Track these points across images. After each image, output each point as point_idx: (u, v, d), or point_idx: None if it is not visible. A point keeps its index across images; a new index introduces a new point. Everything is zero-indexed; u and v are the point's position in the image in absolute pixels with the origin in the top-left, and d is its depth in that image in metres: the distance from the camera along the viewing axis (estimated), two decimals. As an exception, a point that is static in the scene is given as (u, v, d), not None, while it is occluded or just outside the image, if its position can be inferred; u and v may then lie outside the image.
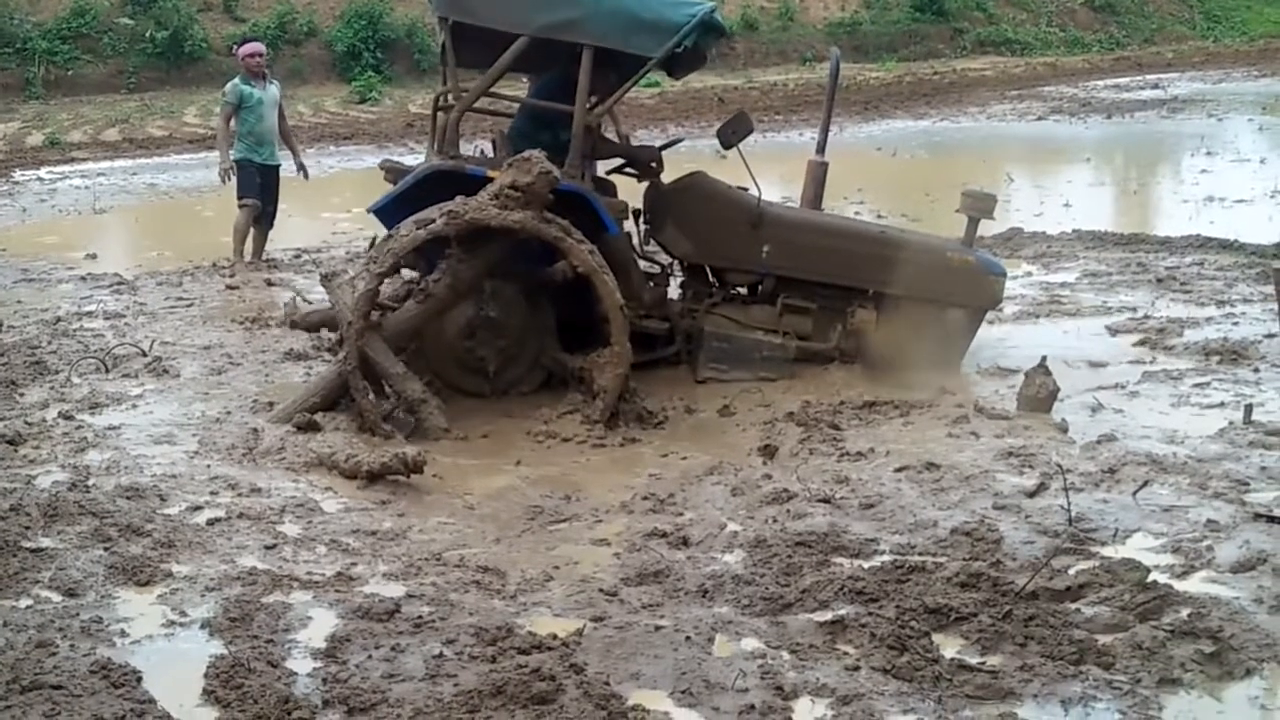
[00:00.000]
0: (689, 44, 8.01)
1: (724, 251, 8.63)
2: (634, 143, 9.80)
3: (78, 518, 5.67)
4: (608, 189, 8.78)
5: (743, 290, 8.75)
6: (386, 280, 7.61)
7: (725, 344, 8.42)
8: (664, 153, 8.87)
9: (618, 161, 8.85)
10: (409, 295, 7.69)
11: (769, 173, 8.91)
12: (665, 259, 8.95)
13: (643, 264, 8.74)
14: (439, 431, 7.37)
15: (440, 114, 8.62)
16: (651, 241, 8.81)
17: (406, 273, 8.17)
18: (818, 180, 9.11)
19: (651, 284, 8.66)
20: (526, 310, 7.99)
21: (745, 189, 8.63)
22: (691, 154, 9.58)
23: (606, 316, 7.55)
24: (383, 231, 8.16)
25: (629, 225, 8.57)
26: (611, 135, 9.31)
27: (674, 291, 8.86)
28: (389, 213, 8.03)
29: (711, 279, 8.78)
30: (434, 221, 7.39)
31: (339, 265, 10.26)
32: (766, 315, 8.56)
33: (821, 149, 9.19)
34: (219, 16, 35.69)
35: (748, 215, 8.49)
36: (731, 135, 8.47)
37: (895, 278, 8.37)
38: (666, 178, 8.73)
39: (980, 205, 8.70)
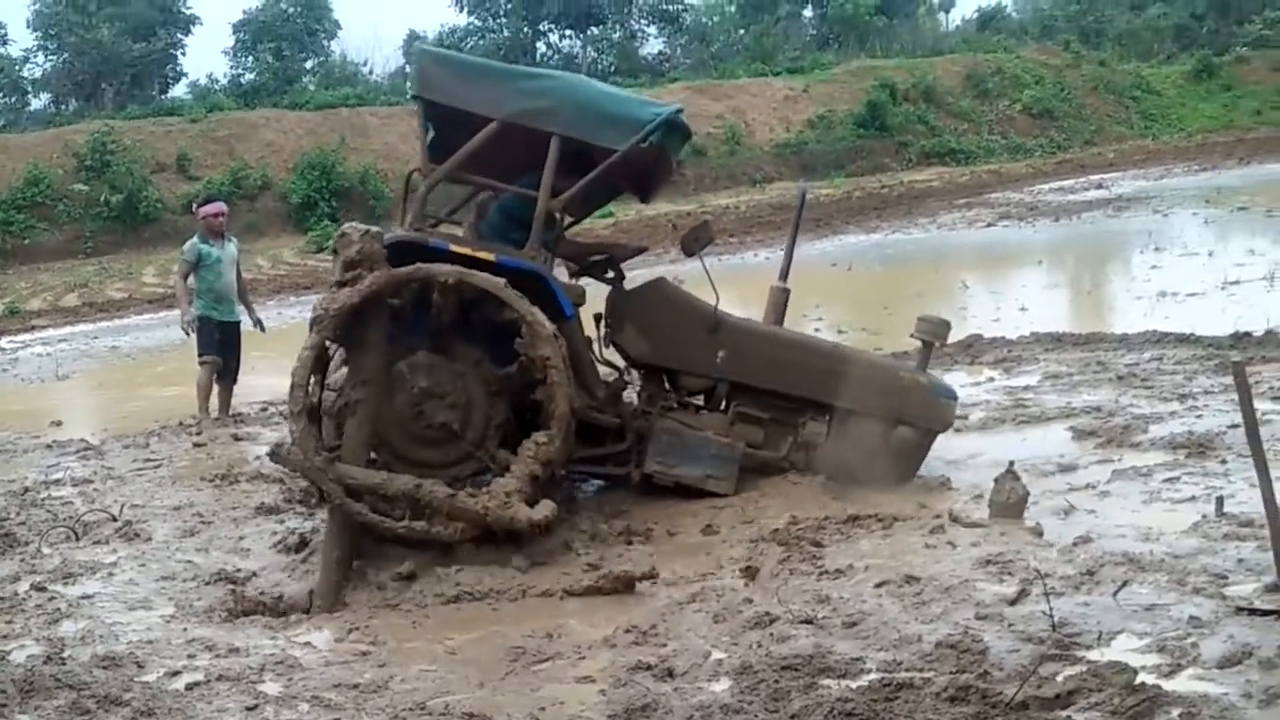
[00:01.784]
0: (654, 140, 8.14)
1: (680, 354, 8.69)
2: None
3: (54, 691, 5.58)
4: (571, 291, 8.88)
5: (698, 400, 8.79)
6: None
7: (674, 439, 8.42)
8: (626, 263, 9.03)
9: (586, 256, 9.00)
10: (340, 415, 7.67)
11: (727, 293, 8.98)
12: (623, 364, 8.94)
13: (601, 369, 8.75)
14: (465, 505, 7.30)
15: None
16: (610, 346, 8.85)
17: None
18: (779, 306, 9.22)
19: (607, 385, 8.66)
20: (454, 365, 7.84)
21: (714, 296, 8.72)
22: (644, 275, 9.63)
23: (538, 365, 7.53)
24: None
25: (590, 331, 8.64)
26: None
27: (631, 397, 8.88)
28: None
29: (666, 385, 8.80)
30: (307, 349, 7.44)
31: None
32: (719, 423, 8.57)
33: (784, 275, 9.31)
34: (172, 176, 36.04)
35: (705, 320, 8.60)
36: (694, 243, 8.70)
37: (847, 393, 8.41)
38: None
39: (934, 331, 8.83)
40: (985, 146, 47.40)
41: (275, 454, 7.83)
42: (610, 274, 8.87)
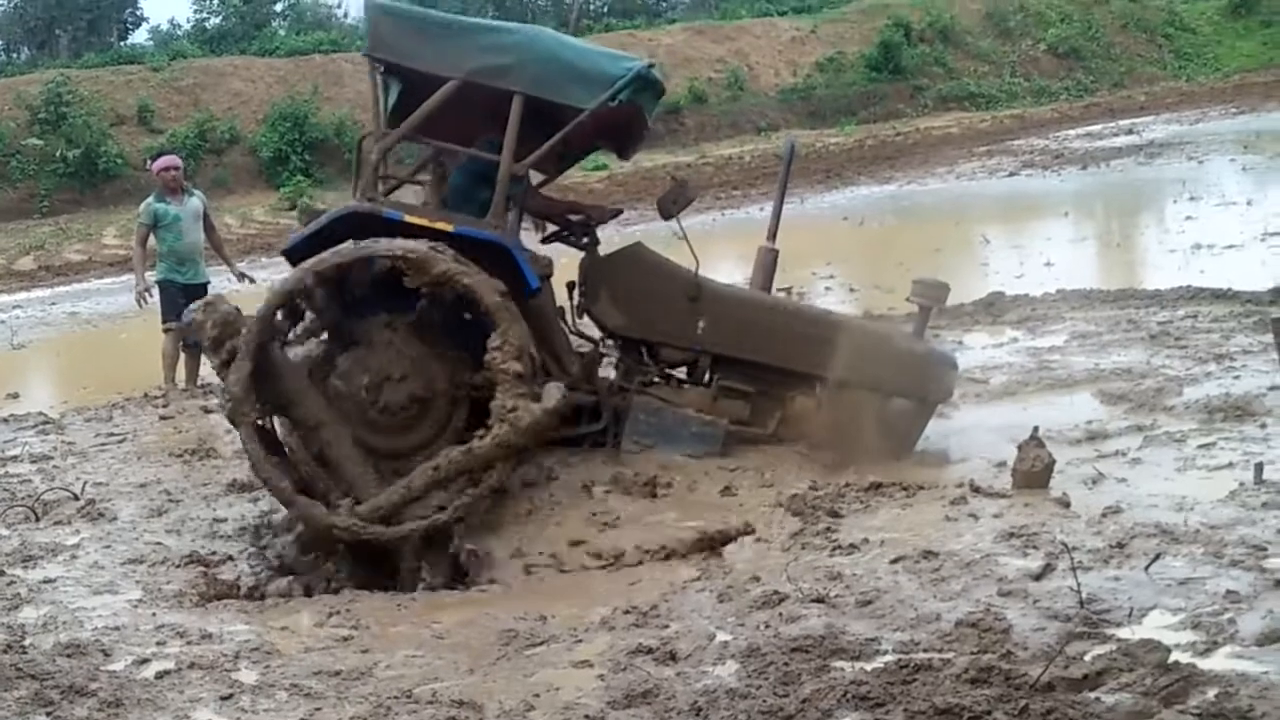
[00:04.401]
0: (624, 98, 8.09)
1: (658, 325, 8.65)
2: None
3: (15, 682, 5.59)
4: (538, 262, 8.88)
5: (679, 373, 8.79)
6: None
7: (652, 417, 8.40)
8: (605, 225, 8.95)
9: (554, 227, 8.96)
10: (319, 462, 7.70)
11: (727, 252, 9.04)
12: (597, 335, 8.93)
13: (574, 340, 8.74)
14: (485, 447, 7.42)
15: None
16: (584, 316, 8.82)
17: None
18: (767, 267, 9.17)
19: (581, 357, 8.66)
20: (401, 345, 7.86)
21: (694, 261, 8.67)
22: (646, 236, 9.60)
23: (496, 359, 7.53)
24: None
25: (563, 300, 8.64)
26: None
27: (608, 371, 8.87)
28: (301, 254, 7.98)
29: (645, 357, 8.77)
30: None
31: None
32: (701, 398, 8.56)
33: (773, 235, 9.27)
34: (133, 129, 35.96)
35: (685, 288, 8.55)
36: (671, 205, 8.60)
37: (838, 363, 8.34)
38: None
39: (931, 294, 8.78)
40: (1007, 90, 47.31)
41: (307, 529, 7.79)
42: (584, 239, 8.81)
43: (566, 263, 8.56)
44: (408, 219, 7.79)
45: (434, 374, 7.85)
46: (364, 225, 7.73)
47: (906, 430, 8.61)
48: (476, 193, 8.31)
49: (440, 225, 7.80)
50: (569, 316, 8.73)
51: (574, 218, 8.89)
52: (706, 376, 8.66)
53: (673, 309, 8.55)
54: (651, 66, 8.20)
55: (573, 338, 8.70)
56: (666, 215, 8.65)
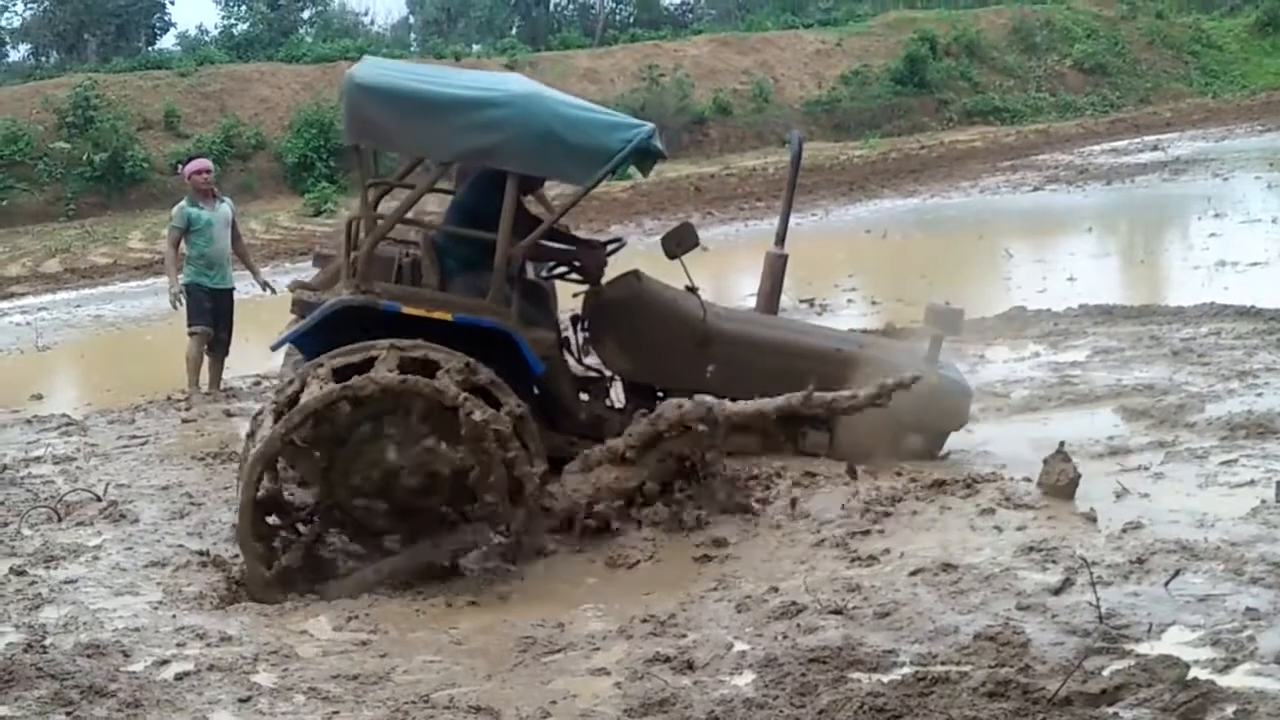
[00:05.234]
0: (623, 170, 8.03)
1: (666, 371, 8.53)
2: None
3: (36, 681, 5.62)
4: (544, 294, 8.79)
5: None
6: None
7: None
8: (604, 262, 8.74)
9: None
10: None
11: (748, 264, 8.96)
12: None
13: (579, 369, 8.68)
14: None
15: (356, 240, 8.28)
16: (590, 353, 8.70)
17: None
18: (775, 274, 9.11)
19: (588, 396, 8.59)
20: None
21: (694, 288, 8.54)
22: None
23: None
24: None
25: (567, 333, 8.55)
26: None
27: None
28: (299, 346, 7.96)
29: (653, 396, 8.59)
30: None
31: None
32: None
33: (781, 240, 9.21)
34: (160, 134, 36.10)
35: (692, 333, 8.44)
36: (676, 247, 8.39)
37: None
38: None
39: (946, 321, 8.69)
40: (1032, 104, 47.26)
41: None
42: (582, 278, 8.67)
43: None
44: (405, 310, 7.59)
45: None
46: (360, 318, 7.58)
47: (921, 460, 8.52)
48: (466, 241, 8.17)
49: (439, 315, 7.62)
50: (574, 348, 8.66)
51: (569, 252, 8.76)
52: None
53: (680, 354, 8.44)
54: (652, 136, 7.97)
55: (578, 368, 8.65)
56: (671, 255, 8.46)
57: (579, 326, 8.65)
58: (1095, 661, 5.10)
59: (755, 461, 8.17)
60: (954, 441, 8.78)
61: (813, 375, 8.19)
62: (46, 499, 8.93)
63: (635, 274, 8.71)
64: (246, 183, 34.44)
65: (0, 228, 31.59)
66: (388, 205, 8.52)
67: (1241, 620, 5.40)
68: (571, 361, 8.64)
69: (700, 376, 8.40)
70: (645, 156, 8.27)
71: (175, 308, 12.89)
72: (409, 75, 8.36)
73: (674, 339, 8.46)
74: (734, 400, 7.96)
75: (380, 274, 8.16)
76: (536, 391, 8.05)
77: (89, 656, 5.94)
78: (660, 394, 8.56)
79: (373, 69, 8.21)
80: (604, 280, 8.59)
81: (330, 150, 35.73)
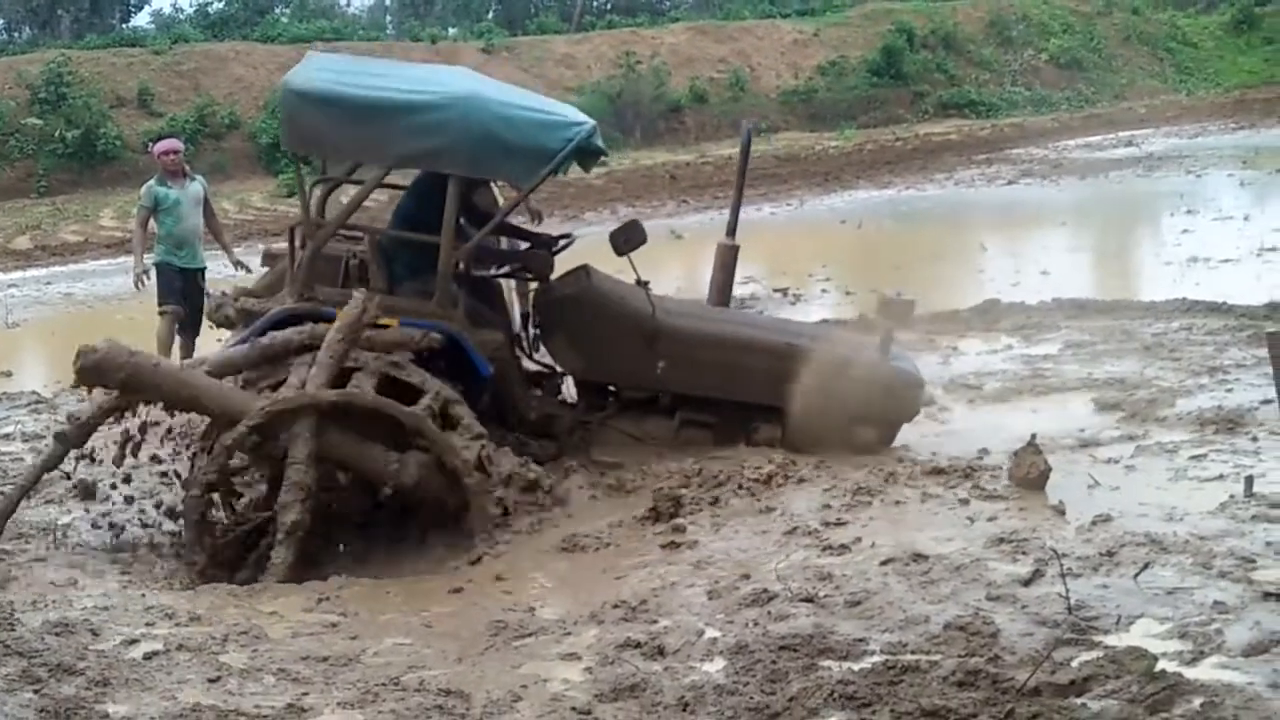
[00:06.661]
0: (564, 170, 8.05)
1: (616, 368, 8.58)
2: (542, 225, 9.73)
3: (3, 659, 5.58)
4: (494, 290, 8.81)
5: (639, 396, 8.69)
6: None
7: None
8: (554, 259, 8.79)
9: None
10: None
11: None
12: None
13: (532, 366, 8.74)
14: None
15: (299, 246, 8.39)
16: (541, 348, 8.76)
17: None
18: (727, 266, 9.13)
19: (540, 391, 8.64)
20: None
21: (644, 283, 8.55)
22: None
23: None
24: None
25: (518, 328, 8.62)
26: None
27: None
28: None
29: (605, 392, 8.71)
30: None
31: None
32: (663, 429, 8.52)
33: (732, 231, 9.22)
34: (134, 112, 35.90)
35: (641, 330, 8.44)
36: (624, 244, 8.43)
37: (800, 394, 8.27)
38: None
39: (897, 313, 8.75)
40: (1007, 98, 47.32)
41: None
42: (531, 275, 8.73)
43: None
44: None
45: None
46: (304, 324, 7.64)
47: (873, 451, 8.51)
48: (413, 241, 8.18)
49: (384, 322, 7.66)
50: (525, 344, 8.70)
51: (521, 250, 8.83)
52: (669, 409, 8.57)
53: (630, 352, 8.45)
54: (593, 134, 8.05)
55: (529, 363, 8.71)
56: (619, 252, 8.48)
57: (529, 323, 8.68)
58: (1064, 652, 5.12)
59: (731, 454, 8.20)
60: (925, 432, 8.80)
61: (762, 370, 8.25)
62: (15, 476, 8.86)
63: (585, 270, 8.70)
64: (220, 162, 34.24)
65: (-30, 203, 31.39)
66: (339, 200, 8.53)
67: (1209, 613, 5.43)
68: (524, 358, 8.67)
69: (650, 373, 8.44)
70: (587, 154, 8.30)
71: (139, 288, 12.80)
72: (348, 76, 8.29)
73: (623, 336, 8.46)
74: (685, 396, 8.17)
75: (327, 275, 8.18)
76: (485, 393, 8.07)
77: (57, 635, 5.90)
78: (611, 390, 8.60)
79: (312, 72, 8.17)
80: (554, 276, 8.59)
81: (305, 131, 35.64)
